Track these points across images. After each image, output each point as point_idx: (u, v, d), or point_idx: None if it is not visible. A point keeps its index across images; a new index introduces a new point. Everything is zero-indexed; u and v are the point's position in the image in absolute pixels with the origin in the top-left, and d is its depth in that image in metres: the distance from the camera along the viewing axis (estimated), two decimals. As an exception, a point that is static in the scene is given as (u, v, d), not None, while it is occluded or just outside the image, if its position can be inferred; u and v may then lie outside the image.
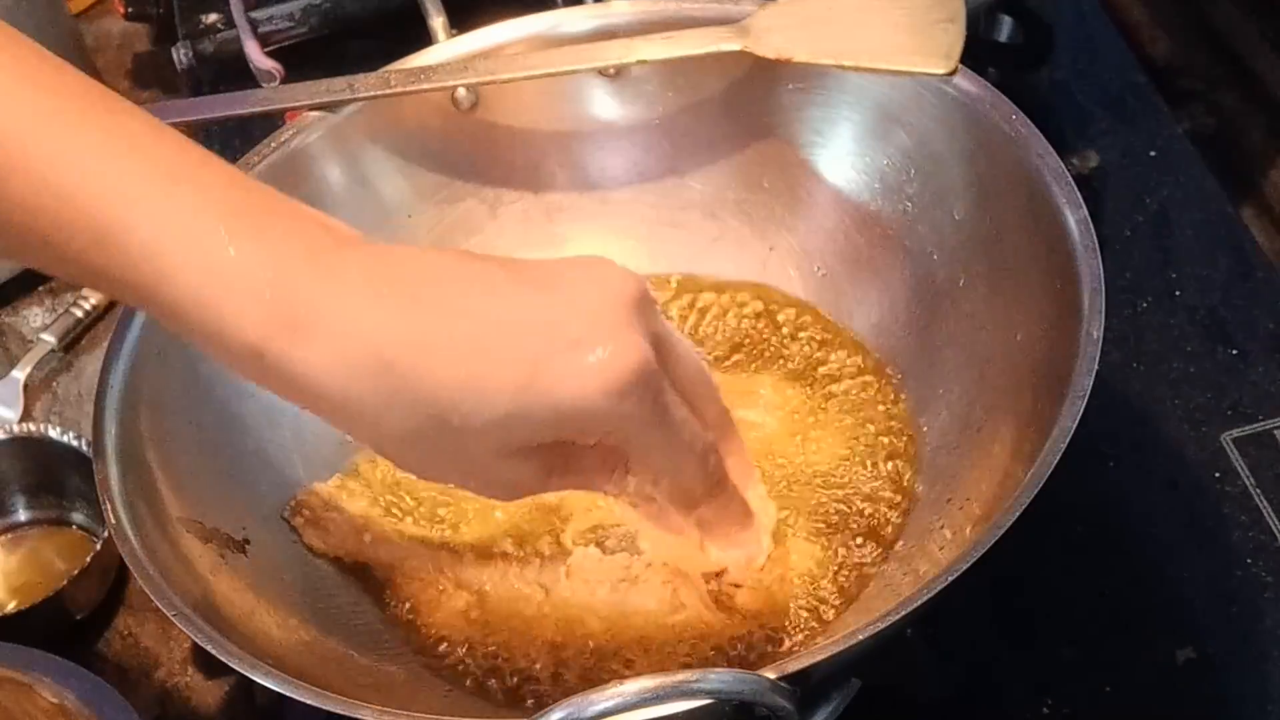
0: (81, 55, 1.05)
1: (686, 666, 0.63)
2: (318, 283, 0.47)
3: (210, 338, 0.49)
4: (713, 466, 0.56)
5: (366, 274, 0.48)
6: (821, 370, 0.74)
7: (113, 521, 0.60)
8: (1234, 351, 0.79)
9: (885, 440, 0.70)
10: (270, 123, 0.77)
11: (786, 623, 0.65)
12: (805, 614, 0.65)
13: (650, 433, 0.51)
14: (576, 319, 0.48)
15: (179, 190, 0.49)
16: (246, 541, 0.66)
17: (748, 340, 0.76)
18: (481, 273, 0.50)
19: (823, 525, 0.68)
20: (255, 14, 0.95)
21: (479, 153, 0.78)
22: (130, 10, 1.05)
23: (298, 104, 0.74)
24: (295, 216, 0.50)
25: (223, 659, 0.56)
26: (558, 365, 0.47)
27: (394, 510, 0.71)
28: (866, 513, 0.68)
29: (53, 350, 0.90)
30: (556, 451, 0.53)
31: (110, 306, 0.92)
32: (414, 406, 0.47)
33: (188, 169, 0.49)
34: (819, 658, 0.52)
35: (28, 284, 0.93)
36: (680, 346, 0.53)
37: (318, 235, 0.49)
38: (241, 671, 0.55)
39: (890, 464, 0.69)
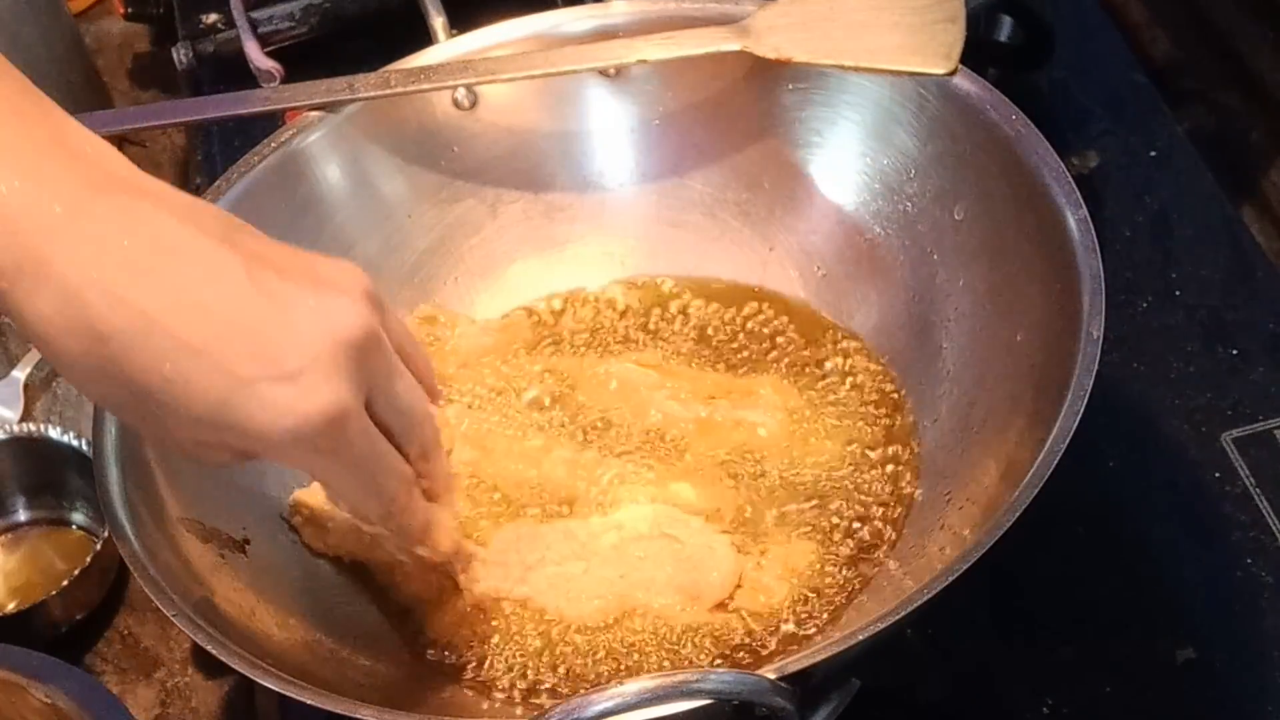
0: (81, 55, 1.05)
1: (686, 666, 0.63)
2: (60, 234, 0.47)
3: None
4: (399, 505, 0.57)
5: (112, 234, 0.48)
6: (821, 370, 0.74)
7: (113, 522, 0.61)
8: (1234, 351, 0.79)
9: (885, 440, 0.70)
10: (270, 123, 0.77)
11: (786, 622, 0.65)
12: (805, 614, 0.65)
13: (332, 471, 0.53)
14: (286, 348, 0.49)
15: None
16: (246, 541, 0.66)
17: (748, 340, 0.76)
18: (223, 267, 0.49)
19: (822, 525, 0.68)
20: (255, 14, 0.95)
21: (479, 153, 0.78)
22: (130, 10, 1.06)
23: (298, 104, 0.74)
24: (67, 155, 0.48)
25: (223, 659, 0.56)
26: (253, 392, 0.48)
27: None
28: (866, 513, 0.68)
29: (53, 350, 0.90)
30: None
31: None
32: (118, 382, 0.48)
33: None
34: (819, 658, 0.52)
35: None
36: (398, 386, 0.54)
37: (81, 179, 0.48)
38: (241, 671, 0.55)
39: (890, 464, 0.70)
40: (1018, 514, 0.54)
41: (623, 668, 0.64)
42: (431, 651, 0.66)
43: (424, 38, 0.77)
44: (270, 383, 0.48)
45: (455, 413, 0.74)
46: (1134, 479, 0.75)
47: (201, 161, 0.96)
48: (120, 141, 0.96)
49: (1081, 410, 0.57)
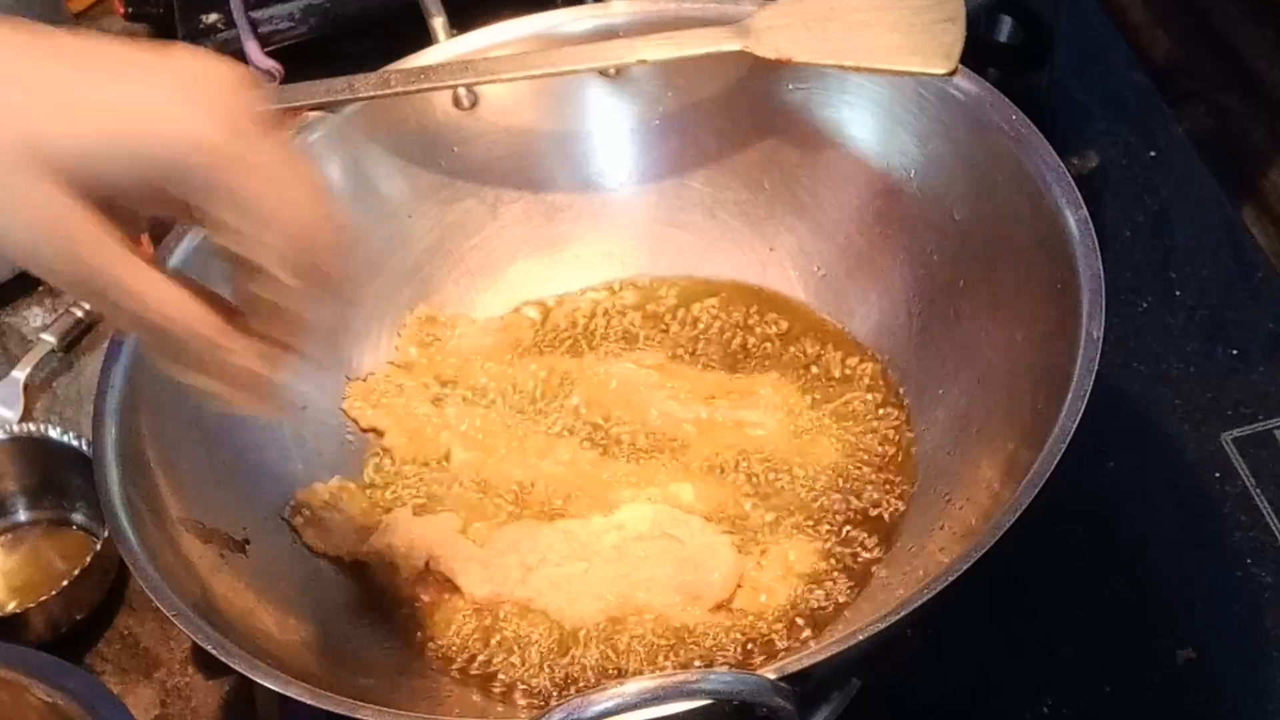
0: (81, 55, 1.05)
1: (686, 666, 0.64)
2: None
3: None
4: (304, 241, 0.51)
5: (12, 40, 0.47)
6: (821, 371, 0.74)
7: (113, 522, 0.61)
8: (1234, 351, 0.79)
9: (885, 440, 0.70)
10: (270, 123, 0.76)
11: (786, 622, 0.65)
12: (805, 614, 0.65)
13: (236, 179, 0.48)
14: (191, 79, 0.48)
15: None
16: (246, 541, 0.66)
17: (748, 340, 0.76)
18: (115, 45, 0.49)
19: (822, 525, 0.68)
20: (255, 14, 0.95)
21: (479, 153, 0.78)
22: (130, 10, 1.05)
23: (298, 104, 0.74)
24: None
25: (223, 659, 0.56)
26: (158, 101, 0.47)
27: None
28: (866, 513, 0.68)
29: (53, 350, 0.90)
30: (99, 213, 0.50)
31: (110, 306, 0.92)
32: None
33: None
34: (819, 658, 0.52)
35: (28, 284, 0.93)
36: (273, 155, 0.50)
37: None
38: (241, 671, 0.55)
39: (889, 463, 0.70)
40: (1018, 514, 0.54)
41: (623, 667, 0.64)
42: (432, 651, 0.66)
43: (424, 38, 0.77)
44: (171, 99, 0.47)
45: (455, 413, 0.74)
46: (1134, 479, 0.75)
47: (201, 161, 0.96)
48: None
49: (1081, 410, 0.57)
